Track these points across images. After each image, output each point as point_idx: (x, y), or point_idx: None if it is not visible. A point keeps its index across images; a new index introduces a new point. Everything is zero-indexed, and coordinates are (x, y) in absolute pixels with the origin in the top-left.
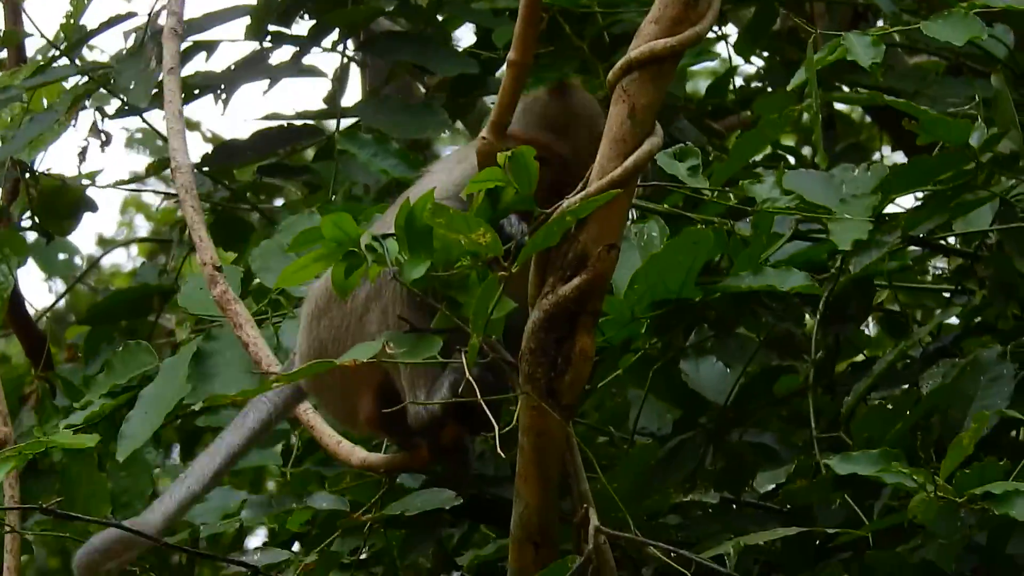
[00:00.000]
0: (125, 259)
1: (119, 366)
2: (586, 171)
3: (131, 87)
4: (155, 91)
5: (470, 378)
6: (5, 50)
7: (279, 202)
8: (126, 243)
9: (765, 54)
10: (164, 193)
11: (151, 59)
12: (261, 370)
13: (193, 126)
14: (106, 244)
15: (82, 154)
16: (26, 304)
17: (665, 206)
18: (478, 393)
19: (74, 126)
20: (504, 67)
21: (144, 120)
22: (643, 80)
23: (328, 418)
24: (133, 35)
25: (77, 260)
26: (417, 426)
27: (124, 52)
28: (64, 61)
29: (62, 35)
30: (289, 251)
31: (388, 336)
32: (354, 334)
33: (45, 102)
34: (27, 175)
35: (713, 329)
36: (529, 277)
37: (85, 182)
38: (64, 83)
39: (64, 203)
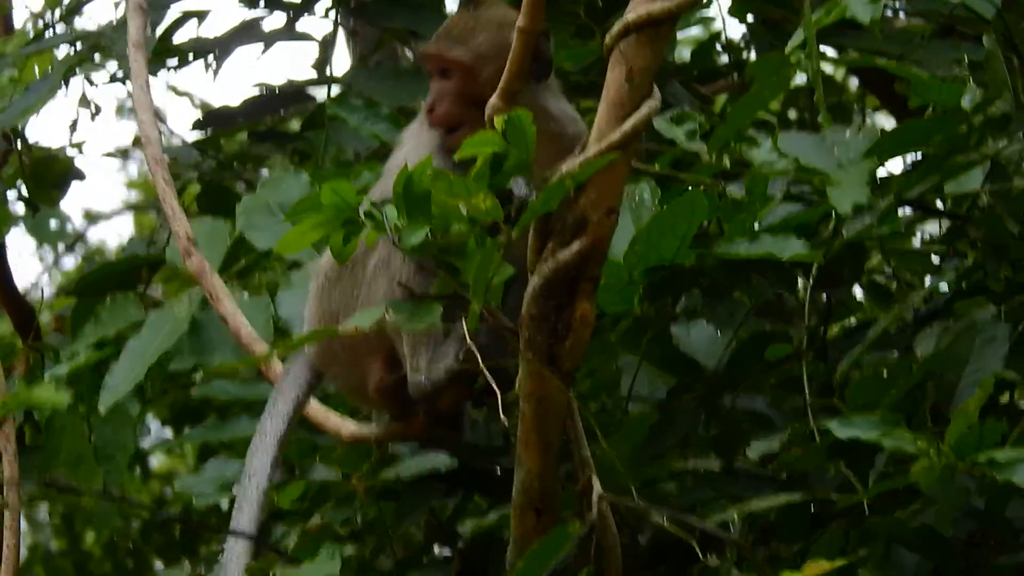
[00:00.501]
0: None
1: (106, 318)
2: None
3: (125, 55)
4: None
5: (471, 344)
6: None
7: (266, 172)
8: (112, 216)
9: (749, 17)
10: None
11: (145, 27)
12: (242, 344)
13: (182, 94)
14: (93, 219)
15: (72, 125)
16: (12, 277)
17: (657, 167)
18: (480, 360)
19: (65, 94)
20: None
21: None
22: (640, 43)
23: (341, 393)
24: (123, 3)
25: (69, 228)
26: (418, 394)
27: (116, 21)
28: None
29: (47, 8)
30: (287, 219)
31: (388, 303)
32: (363, 305)
33: (37, 71)
34: (19, 144)
35: (706, 295)
36: (528, 243)
37: (73, 152)
38: (56, 52)
39: (52, 173)
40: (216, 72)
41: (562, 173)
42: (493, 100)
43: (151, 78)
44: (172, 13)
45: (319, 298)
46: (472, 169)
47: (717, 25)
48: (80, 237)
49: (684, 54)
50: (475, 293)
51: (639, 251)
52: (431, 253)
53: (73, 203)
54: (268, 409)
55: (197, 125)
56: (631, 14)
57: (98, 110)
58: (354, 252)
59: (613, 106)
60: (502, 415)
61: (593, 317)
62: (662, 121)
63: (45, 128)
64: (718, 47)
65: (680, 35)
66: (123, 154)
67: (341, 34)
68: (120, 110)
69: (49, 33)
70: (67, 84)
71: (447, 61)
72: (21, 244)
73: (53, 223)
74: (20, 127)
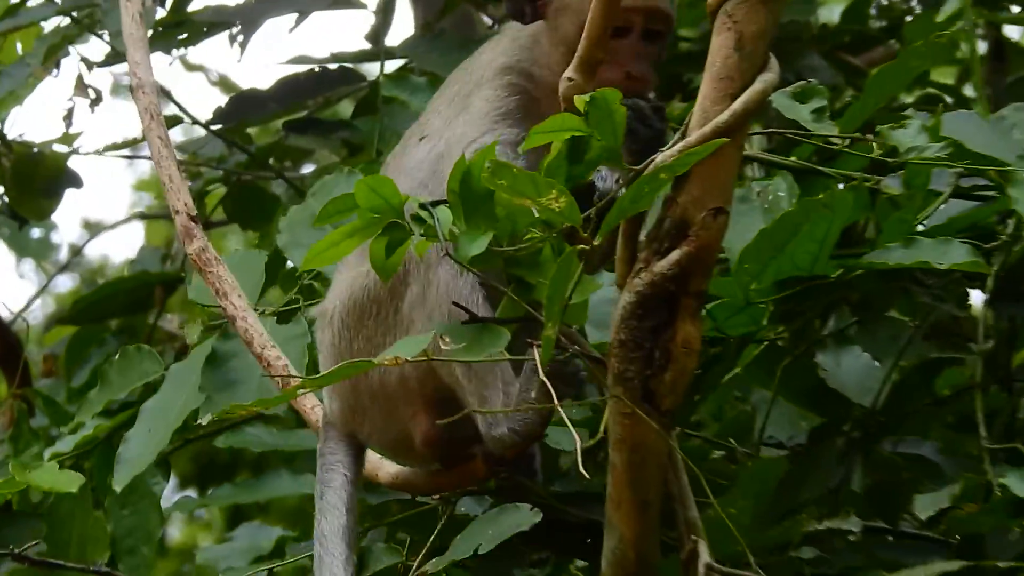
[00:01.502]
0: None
1: (116, 377)
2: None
3: (121, 28)
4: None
5: (544, 379)
6: None
7: (309, 168)
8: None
9: None
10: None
11: None
12: (255, 352)
13: (194, 68)
14: (94, 230)
15: (68, 117)
16: None
17: (793, 159)
18: (555, 397)
19: (55, 76)
20: None
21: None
22: (752, 3)
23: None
24: None
25: (55, 238)
26: (503, 450)
27: None
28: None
29: None
30: (318, 223)
31: (442, 328)
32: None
33: (20, 48)
34: None
35: (856, 313)
36: (616, 252)
37: (64, 149)
38: (42, 26)
39: (40, 177)
40: (243, 48)
41: (656, 164)
42: (569, 72)
43: (160, 55)
44: None
45: (337, 352)
46: (544, 160)
47: None
48: (78, 252)
49: (831, 15)
50: (550, 314)
51: (752, 268)
52: (495, 265)
53: (69, 210)
54: (317, 506)
55: (220, 114)
56: None
57: (98, 97)
58: (398, 266)
59: (719, 81)
60: (581, 468)
61: (698, 342)
62: (782, 98)
63: (30, 120)
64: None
65: None
66: (129, 148)
67: None
68: (116, 89)
69: (33, 2)
70: (58, 66)
71: (661, 16)
72: (5, 260)
73: (36, 232)
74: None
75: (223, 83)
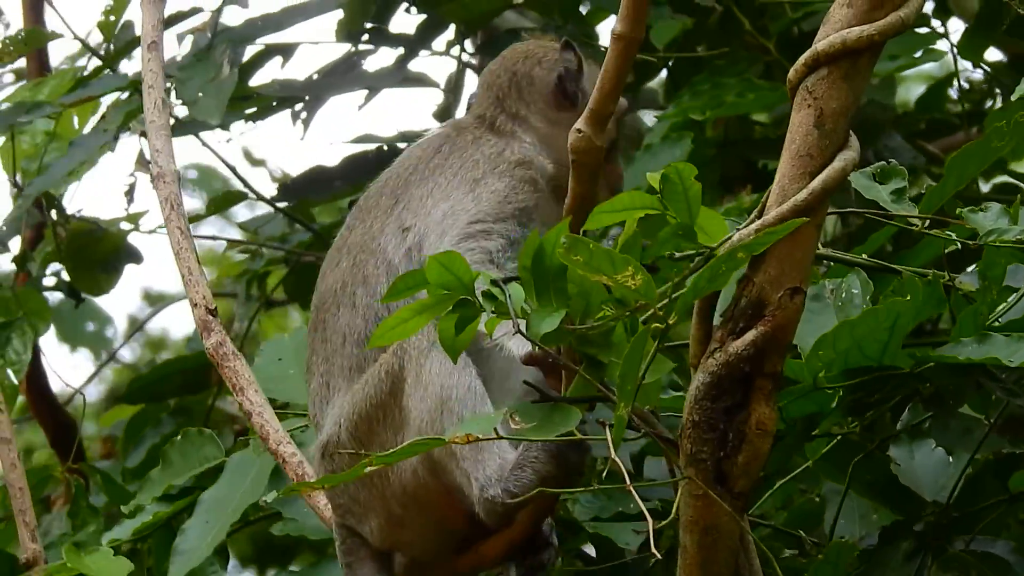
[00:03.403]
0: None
1: (176, 459)
2: None
3: (199, 100)
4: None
5: (615, 458)
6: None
7: None
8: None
9: (998, 55)
10: (229, 240)
11: (222, 65)
12: (270, 449)
13: (257, 163)
14: (154, 301)
15: (129, 192)
16: (49, 381)
17: (864, 256)
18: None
19: (112, 150)
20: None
21: (204, 143)
22: (833, 79)
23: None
24: (189, 37)
25: (110, 332)
26: (495, 515)
27: (188, 57)
28: (92, 64)
29: (100, 37)
30: (385, 301)
31: (513, 408)
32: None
33: (76, 122)
34: (55, 215)
35: (929, 407)
36: (691, 331)
37: (125, 226)
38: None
39: (99, 253)
40: (306, 125)
41: (733, 242)
42: (579, 124)
43: (225, 133)
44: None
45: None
46: (619, 238)
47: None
48: (137, 329)
49: (912, 94)
50: (622, 393)
51: (825, 355)
52: (567, 343)
53: (129, 281)
54: None
55: (285, 190)
56: (822, 42)
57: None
58: (468, 343)
59: (798, 158)
60: (653, 547)
61: (774, 424)
62: (861, 177)
63: (87, 193)
64: (952, 91)
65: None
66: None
67: (470, 72)
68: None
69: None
70: (116, 139)
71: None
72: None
73: (91, 326)
74: (57, 194)
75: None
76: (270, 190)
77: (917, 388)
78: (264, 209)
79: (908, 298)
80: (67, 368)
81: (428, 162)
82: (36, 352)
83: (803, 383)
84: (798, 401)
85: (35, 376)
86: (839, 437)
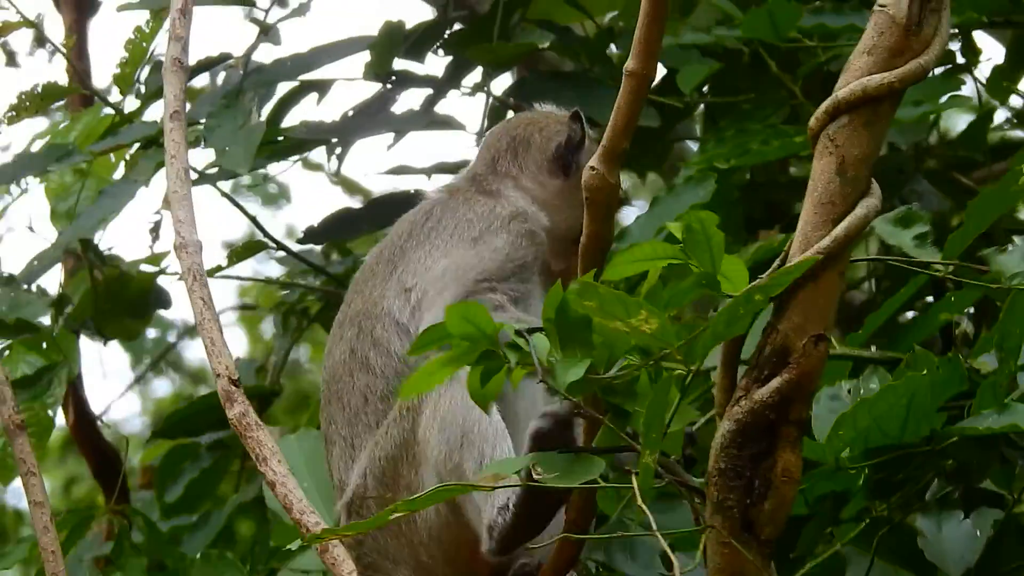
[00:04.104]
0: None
1: None
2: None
3: (228, 148)
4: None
5: (642, 506)
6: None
7: None
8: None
9: None
10: (255, 279)
11: (251, 111)
12: (293, 518)
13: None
14: (192, 334)
15: (154, 230)
16: (92, 412)
17: (880, 352)
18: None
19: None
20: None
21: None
22: (854, 126)
23: None
24: (221, 74)
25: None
26: (497, 548)
27: (216, 102)
28: (130, 101)
29: (116, 89)
30: (411, 354)
31: (532, 458)
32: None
33: (113, 158)
34: (91, 257)
35: (952, 482)
36: (716, 380)
37: (151, 269)
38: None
39: (128, 296)
40: (340, 161)
41: (752, 285)
42: (593, 162)
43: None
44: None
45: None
46: (643, 286)
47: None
48: (164, 353)
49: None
50: (648, 441)
51: (860, 426)
52: (591, 392)
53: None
54: None
55: (311, 234)
56: (842, 91)
57: None
58: (497, 394)
59: (821, 206)
60: None
61: (799, 471)
62: (885, 224)
63: (114, 234)
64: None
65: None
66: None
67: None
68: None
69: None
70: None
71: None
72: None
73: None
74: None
75: (344, 183)
76: (327, 207)
77: (942, 464)
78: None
79: (924, 372)
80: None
81: (422, 226)
82: (79, 383)
83: (826, 464)
84: (821, 482)
85: (78, 408)
86: (867, 521)
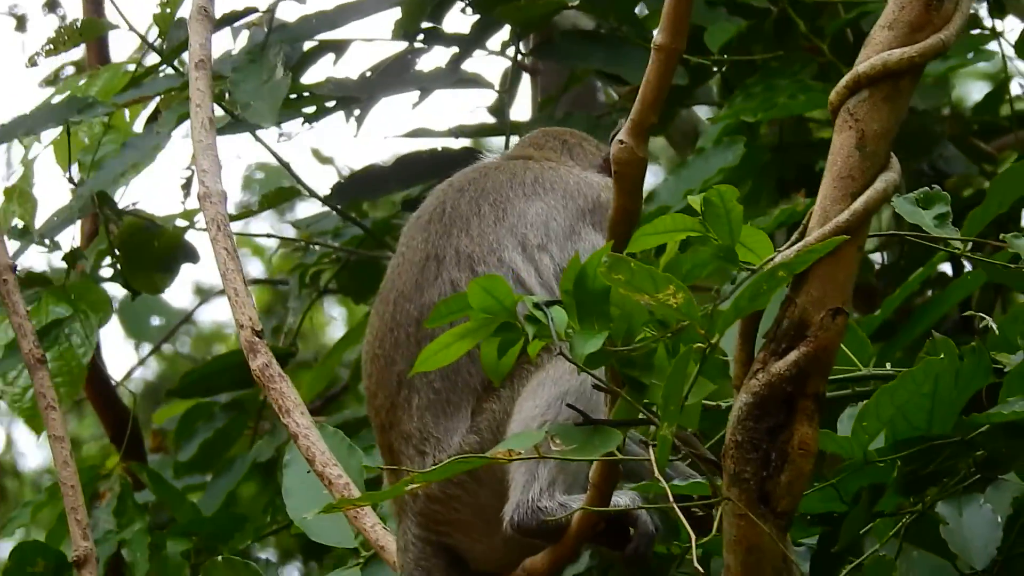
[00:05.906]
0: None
1: None
2: None
3: (252, 103)
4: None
5: (660, 479)
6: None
7: None
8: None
9: None
10: (281, 238)
11: (276, 66)
12: (315, 471)
13: (326, 160)
14: (206, 296)
15: (186, 186)
16: (108, 374)
17: (889, 367)
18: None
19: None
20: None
21: (259, 139)
22: (874, 101)
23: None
24: (244, 32)
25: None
26: (539, 524)
27: (242, 56)
28: (150, 58)
29: (156, 31)
30: (428, 325)
31: (554, 429)
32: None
33: (128, 115)
34: (107, 211)
35: (980, 471)
36: (734, 352)
37: (181, 223)
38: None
39: (156, 251)
40: (359, 122)
41: (775, 263)
42: (622, 135)
43: (281, 132)
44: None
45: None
46: (663, 258)
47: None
48: (185, 320)
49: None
50: (666, 414)
51: (884, 417)
52: (609, 364)
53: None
54: None
55: (338, 190)
56: (863, 64)
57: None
58: (511, 367)
59: (840, 180)
60: (696, 563)
61: (816, 443)
62: (903, 202)
63: (142, 187)
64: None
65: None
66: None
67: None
68: (248, 182)
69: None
70: (169, 138)
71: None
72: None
73: (156, 320)
74: (111, 192)
75: (315, 153)
76: (324, 186)
77: (971, 455)
78: (318, 206)
79: (942, 356)
80: (114, 359)
81: (522, 178)
82: (97, 347)
83: (853, 458)
84: (853, 477)
85: (95, 367)
86: (906, 518)
